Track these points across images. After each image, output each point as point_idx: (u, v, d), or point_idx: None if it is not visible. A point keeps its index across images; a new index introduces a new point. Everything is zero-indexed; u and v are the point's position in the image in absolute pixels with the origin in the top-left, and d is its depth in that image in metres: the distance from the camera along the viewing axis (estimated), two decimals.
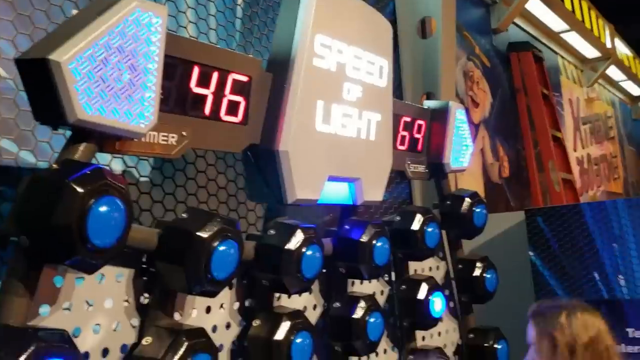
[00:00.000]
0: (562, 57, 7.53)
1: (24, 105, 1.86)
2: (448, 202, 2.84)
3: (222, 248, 1.62)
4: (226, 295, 1.95)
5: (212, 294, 1.68)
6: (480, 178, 4.86)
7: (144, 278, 1.69)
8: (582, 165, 7.19)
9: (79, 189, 1.25)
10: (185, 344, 1.56)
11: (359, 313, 2.26)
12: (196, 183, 2.25)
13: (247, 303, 2.03)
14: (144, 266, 1.68)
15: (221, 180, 2.34)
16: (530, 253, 3.44)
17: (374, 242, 2.28)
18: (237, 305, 2.00)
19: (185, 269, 1.58)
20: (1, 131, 1.86)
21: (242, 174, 2.26)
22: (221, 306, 1.94)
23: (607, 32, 8.29)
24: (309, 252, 1.96)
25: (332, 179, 2.15)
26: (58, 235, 1.24)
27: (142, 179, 2.18)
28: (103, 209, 1.28)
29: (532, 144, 5.64)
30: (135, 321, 1.66)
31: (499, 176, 5.16)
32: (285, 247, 1.92)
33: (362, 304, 2.29)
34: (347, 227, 2.31)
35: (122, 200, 1.33)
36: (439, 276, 2.91)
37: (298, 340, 1.94)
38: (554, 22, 6.76)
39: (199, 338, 1.61)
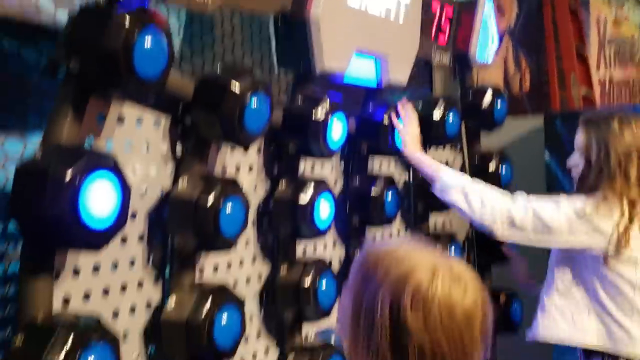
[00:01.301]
0: None
1: None
2: (470, 95, 2.88)
3: (254, 100, 1.69)
4: (254, 159, 2.04)
5: (245, 145, 1.77)
6: (501, 89, 4.84)
7: (179, 128, 1.77)
8: (603, 87, 7.10)
9: (127, 18, 1.31)
10: (219, 187, 1.66)
11: (377, 190, 2.36)
12: (222, 48, 2.27)
13: (274, 170, 2.13)
14: (180, 116, 1.76)
15: (247, 48, 2.36)
16: (546, 155, 3.50)
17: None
18: (264, 170, 2.09)
19: (219, 118, 1.66)
20: None
21: (271, 42, 2.29)
22: (250, 169, 2.03)
23: None
24: (335, 120, 2.03)
25: (359, 52, 2.18)
26: (105, 61, 1.31)
27: None
28: (149, 39, 1.34)
29: (555, 59, 5.57)
30: (170, 167, 1.75)
31: (519, 89, 5.14)
32: (312, 114, 1.99)
33: (381, 182, 2.38)
34: (370, 107, 2.37)
35: (165, 35, 1.39)
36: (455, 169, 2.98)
37: (322, 202, 2.05)
38: None
39: (233, 185, 1.71)
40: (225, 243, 1.69)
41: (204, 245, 1.68)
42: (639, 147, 2.07)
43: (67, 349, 1.20)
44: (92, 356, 1.24)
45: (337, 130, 2.06)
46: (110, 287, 1.58)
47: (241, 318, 1.70)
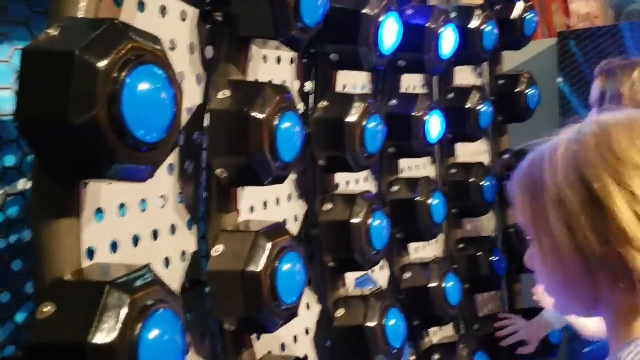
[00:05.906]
0: None
1: None
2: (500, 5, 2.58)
3: None
4: (287, 71, 1.65)
5: (299, 44, 1.37)
6: None
7: (208, 26, 1.35)
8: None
9: None
10: (272, 95, 1.26)
11: (419, 112, 2.01)
12: None
13: (306, 87, 1.74)
14: (208, 9, 1.33)
15: None
16: (559, 80, 3.23)
17: (440, 30, 1.99)
18: (298, 85, 1.70)
19: (271, 4, 1.25)
20: None
21: None
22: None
23: None
24: (388, 20, 1.66)
25: None
26: None
27: None
28: None
29: None
30: (202, 76, 1.34)
31: None
32: (363, 12, 1.60)
33: (421, 104, 2.04)
34: (409, 12, 1.99)
35: None
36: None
37: (371, 125, 1.68)
38: None
39: (284, 92, 1.33)
40: (281, 171, 1.30)
41: (253, 177, 1.29)
42: None
43: (123, 320, 0.80)
44: (157, 328, 0.84)
45: (390, 35, 1.68)
46: (140, 233, 1.18)
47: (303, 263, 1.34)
